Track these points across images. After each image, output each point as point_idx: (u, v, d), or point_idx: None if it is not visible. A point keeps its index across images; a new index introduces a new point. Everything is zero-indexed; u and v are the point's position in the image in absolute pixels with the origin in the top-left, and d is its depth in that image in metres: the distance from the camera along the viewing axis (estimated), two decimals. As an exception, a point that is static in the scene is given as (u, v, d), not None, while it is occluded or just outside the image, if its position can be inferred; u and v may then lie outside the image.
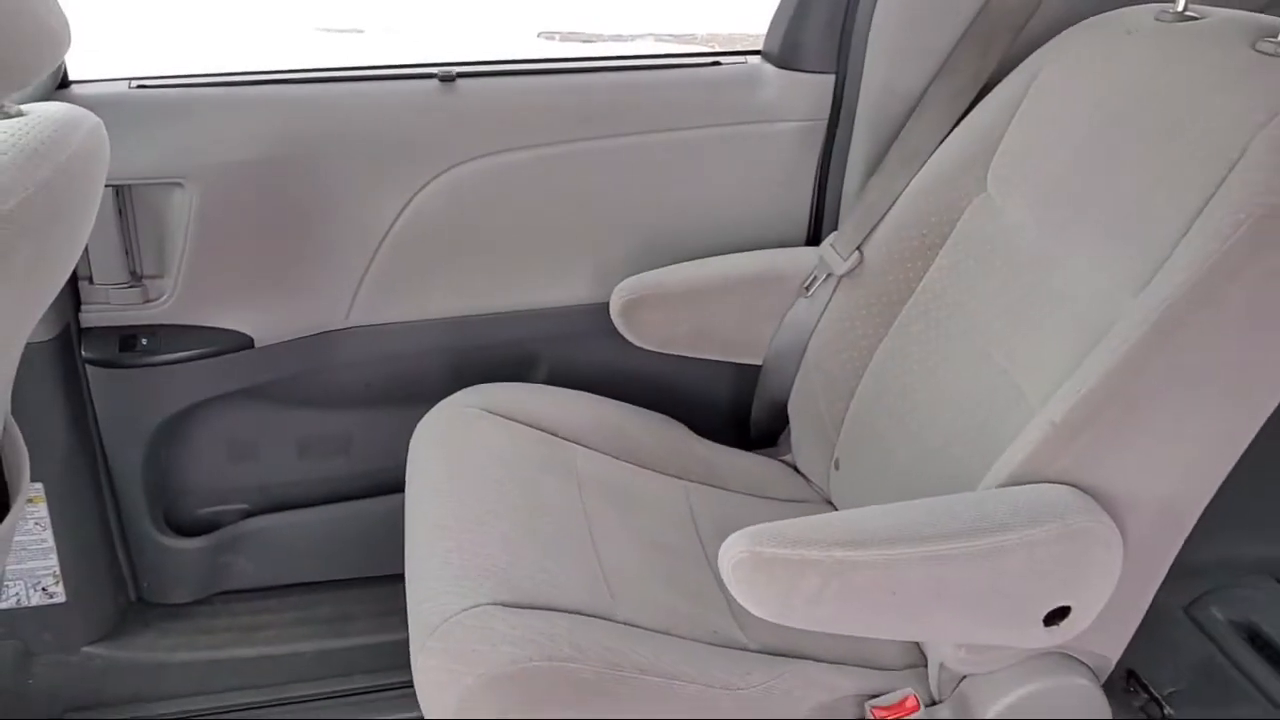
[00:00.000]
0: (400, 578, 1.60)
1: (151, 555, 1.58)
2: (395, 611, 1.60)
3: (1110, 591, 1.00)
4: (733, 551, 0.92)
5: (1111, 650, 1.11)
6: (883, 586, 0.93)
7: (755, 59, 1.52)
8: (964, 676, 1.10)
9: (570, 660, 0.99)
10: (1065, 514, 0.95)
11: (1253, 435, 1.01)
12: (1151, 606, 1.68)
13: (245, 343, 1.46)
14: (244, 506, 1.63)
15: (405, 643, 1.55)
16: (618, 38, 8.26)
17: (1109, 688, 1.54)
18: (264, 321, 1.46)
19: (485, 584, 1.07)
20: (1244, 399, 0.99)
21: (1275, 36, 1.03)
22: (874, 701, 1.08)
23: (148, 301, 1.42)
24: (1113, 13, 1.25)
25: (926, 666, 1.14)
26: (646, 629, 1.09)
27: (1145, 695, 1.51)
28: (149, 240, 1.40)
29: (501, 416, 1.38)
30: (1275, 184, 0.93)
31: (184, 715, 1.52)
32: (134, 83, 1.40)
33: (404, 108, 1.42)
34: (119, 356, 1.42)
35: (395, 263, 1.47)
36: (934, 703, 1.11)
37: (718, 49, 1.61)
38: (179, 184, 1.37)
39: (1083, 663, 1.10)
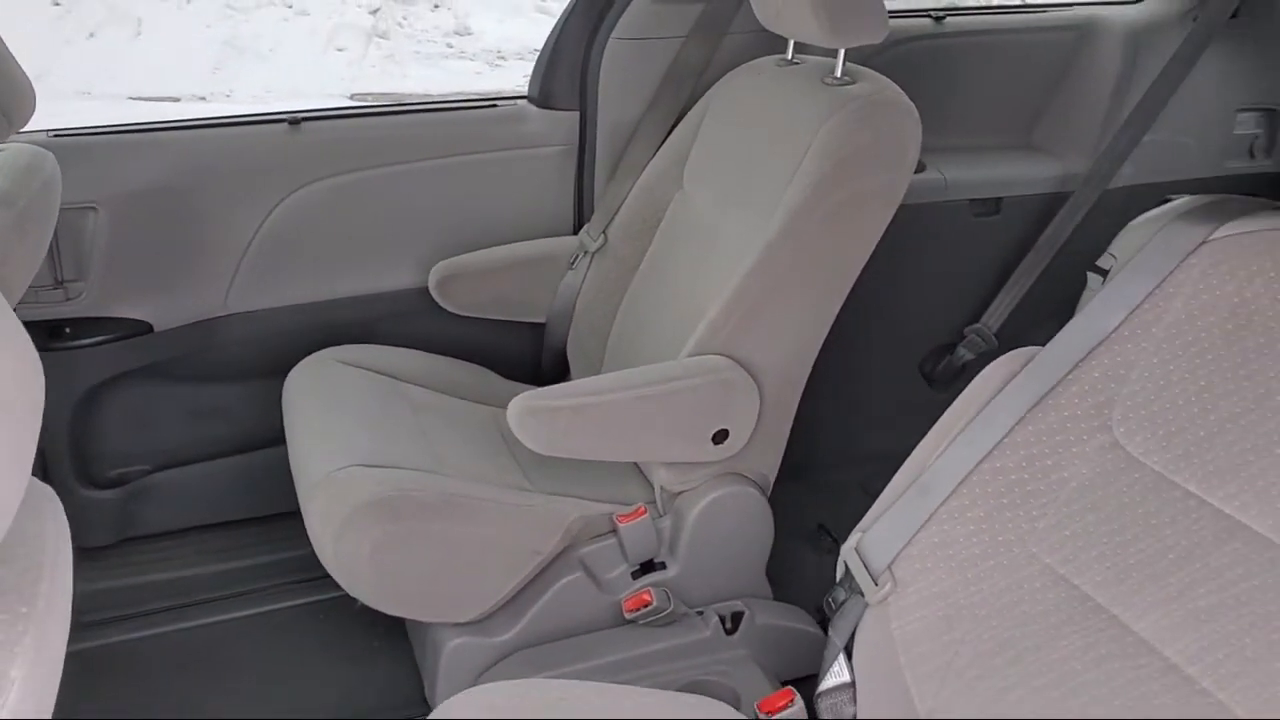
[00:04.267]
0: (278, 516, 2.06)
1: (75, 506, 1.99)
2: (276, 540, 2.05)
3: (753, 421, 1.59)
4: (514, 407, 1.47)
5: (769, 468, 1.69)
6: (607, 420, 1.50)
7: (522, 101, 2.09)
8: (677, 495, 1.66)
9: (414, 490, 1.51)
10: (716, 370, 1.55)
11: (834, 317, 1.62)
12: (836, 485, 2.31)
13: (146, 329, 1.91)
14: (146, 467, 2.06)
15: (286, 561, 2.01)
16: (428, 97, 8.76)
17: (806, 536, 2.14)
18: (160, 312, 1.92)
19: (351, 455, 1.58)
20: (823, 296, 1.61)
21: (834, 74, 1.66)
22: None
23: (69, 300, 1.86)
24: (752, 61, 1.87)
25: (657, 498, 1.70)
26: (465, 478, 1.62)
27: (830, 539, 2.11)
28: (69, 252, 1.85)
29: (352, 366, 1.88)
30: (824, 166, 1.55)
31: (108, 622, 1.92)
32: (52, 133, 1.85)
33: (262, 144, 1.93)
34: (48, 343, 1.86)
35: (261, 262, 1.95)
36: (660, 518, 1.67)
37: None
38: (93, 208, 1.83)
39: (750, 478, 1.68)
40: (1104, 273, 1.24)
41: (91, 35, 9.44)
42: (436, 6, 10.32)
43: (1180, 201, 1.22)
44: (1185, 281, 1.13)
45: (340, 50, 9.62)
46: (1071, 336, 1.19)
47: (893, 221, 1.65)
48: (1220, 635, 0.98)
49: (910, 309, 2.24)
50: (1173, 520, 1.06)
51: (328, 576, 1.86)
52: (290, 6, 9.89)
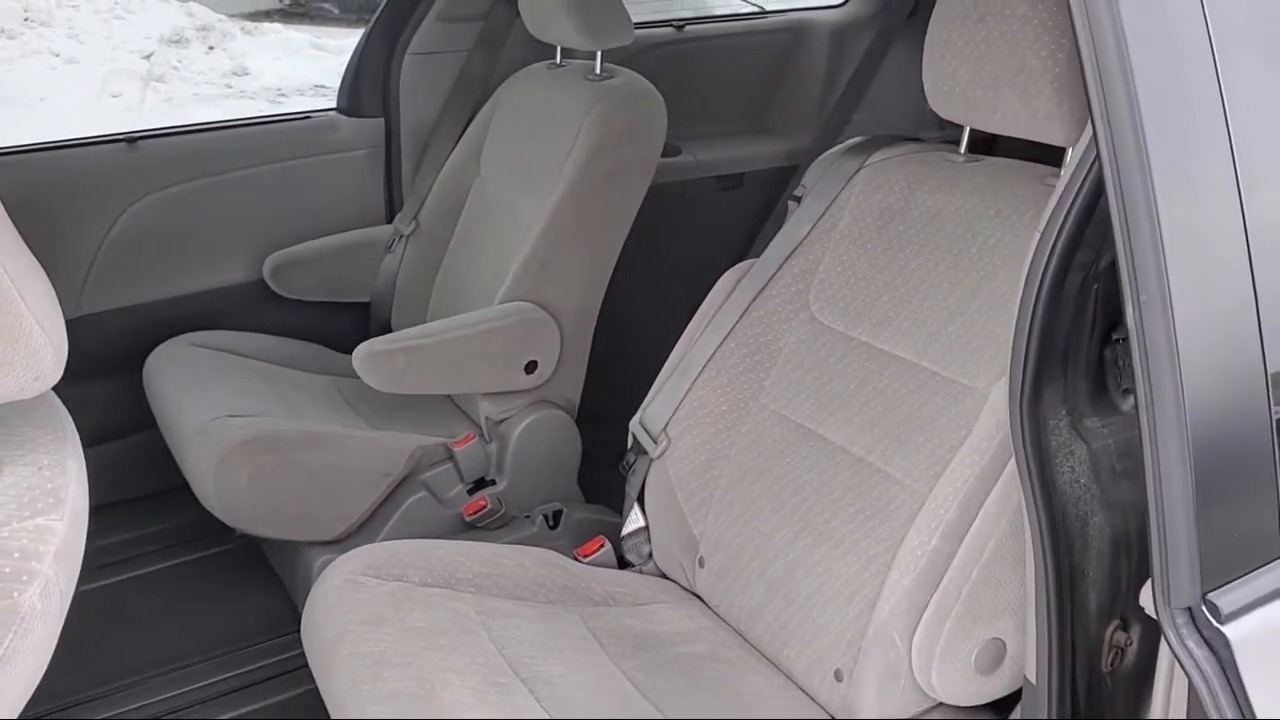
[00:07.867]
0: (143, 498, 2.28)
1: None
2: (148, 515, 2.25)
3: (556, 353, 1.96)
4: (359, 352, 1.80)
5: (573, 394, 2.07)
6: (438, 358, 1.85)
7: (333, 113, 2.41)
8: (500, 423, 2.01)
9: (280, 430, 1.82)
10: (522, 312, 1.92)
11: (613, 264, 2.02)
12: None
13: (5, 334, 2.12)
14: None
15: (159, 532, 2.22)
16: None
17: (609, 464, 2.51)
18: (19, 317, 2.13)
19: (219, 410, 1.87)
20: (602, 247, 2.00)
21: (594, 72, 2.06)
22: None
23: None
24: (528, 67, 2.25)
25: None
26: (319, 424, 1.93)
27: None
28: None
29: (203, 347, 2.15)
30: (592, 144, 1.94)
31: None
32: None
33: (103, 162, 2.18)
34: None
35: (110, 266, 2.19)
36: (488, 443, 2.02)
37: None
38: None
39: (558, 404, 2.05)
40: (799, 199, 1.67)
41: None
42: (211, 49, 10.25)
43: (847, 142, 1.66)
44: (850, 197, 1.58)
45: (116, 96, 9.47)
46: (777, 246, 1.62)
47: (657, 198, 2.05)
48: (884, 430, 1.42)
49: (679, 273, 2.66)
50: (853, 362, 1.49)
51: (197, 540, 2.14)
52: (58, 55, 9.67)
